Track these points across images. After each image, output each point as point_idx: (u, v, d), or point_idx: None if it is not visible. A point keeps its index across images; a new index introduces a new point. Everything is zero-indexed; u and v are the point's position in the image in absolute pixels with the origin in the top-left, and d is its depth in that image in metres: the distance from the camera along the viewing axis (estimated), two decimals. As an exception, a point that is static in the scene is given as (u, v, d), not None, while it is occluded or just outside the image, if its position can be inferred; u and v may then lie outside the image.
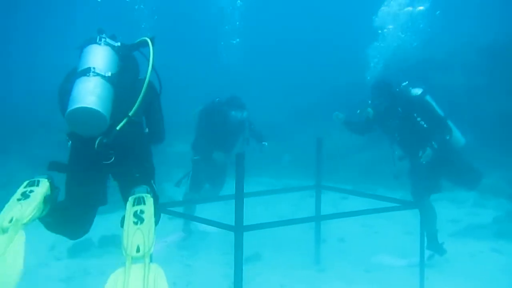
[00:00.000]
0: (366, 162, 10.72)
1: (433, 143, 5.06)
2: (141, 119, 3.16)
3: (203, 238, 6.23)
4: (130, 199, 2.76)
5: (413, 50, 8.05)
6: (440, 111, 5.31)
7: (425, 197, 5.23)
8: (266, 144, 6.16)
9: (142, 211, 2.63)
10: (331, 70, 13.53)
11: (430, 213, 5.32)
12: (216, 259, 5.49)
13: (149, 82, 3.05)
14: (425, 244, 4.94)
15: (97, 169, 3.04)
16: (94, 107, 2.78)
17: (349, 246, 6.23)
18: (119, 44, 3.16)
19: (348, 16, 15.49)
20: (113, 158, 2.98)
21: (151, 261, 2.40)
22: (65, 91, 2.98)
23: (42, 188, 2.74)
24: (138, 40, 3.21)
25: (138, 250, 2.39)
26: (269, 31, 16.33)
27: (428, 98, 5.31)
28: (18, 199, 2.61)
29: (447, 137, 5.20)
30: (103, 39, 3.08)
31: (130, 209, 2.66)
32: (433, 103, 5.31)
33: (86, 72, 2.89)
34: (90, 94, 2.79)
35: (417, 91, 5.33)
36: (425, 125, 5.20)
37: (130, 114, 2.97)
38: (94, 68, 2.91)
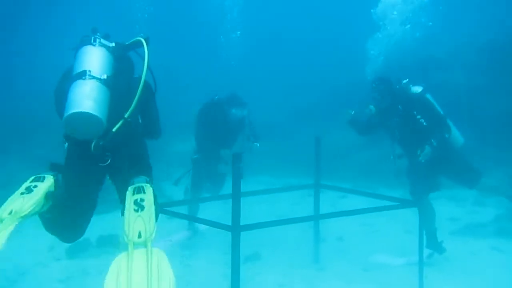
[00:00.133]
0: (367, 161, 10.71)
1: (432, 141, 5.05)
2: (137, 118, 3.16)
3: (203, 237, 6.23)
4: (130, 188, 2.77)
5: (414, 43, 8.01)
6: (440, 110, 5.31)
7: (424, 196, 5.22)
8: (258, 145, 6.07)
9: (142, 199, 2.64)
10: (331, 70, 13.52)
11: (429, 211, 5.31)
12: (216, 259, 5.48)
13: (145, 81, 3.04)
14: (424, 243, 4.94)
15: (94, 171, 3.04)
16: (91, 111, 2.78)
17: (348, 245, 6.22)
18: (113, 44, 3.15)
19: (348, 16, 15.47)
20: (109, 160, 2.99)
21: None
22: (61, 93, 2.98)
23: (46, 184, 2.76)
24: (132, 40, 3.20)
25: (139, 236, 2.40)
26: (269, 31, 16.32)
27: (428, 96, 5.31)
28: (22, 193, 2.65)
29: (447, 136, 5.20)
30: (97, 40, 3.07)
31: (130, 197, 2.67)
32: (434, 102, 5.31)
33: (82, 75, 2.89)
34: (86, 98, 2.80)
35: (418, 89, 5.32)
36: (424, 123, 5.19)
37: (126, 116, 2.97)
38: (90, 71, 2.90)
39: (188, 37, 17.01)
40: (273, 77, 14.73)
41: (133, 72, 3.25)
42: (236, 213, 3.74)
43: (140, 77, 3.01)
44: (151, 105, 3.30)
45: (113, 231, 5.88)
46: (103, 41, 3.10)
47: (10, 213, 2.48)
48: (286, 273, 5.19)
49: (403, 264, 5.34)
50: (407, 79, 5.38)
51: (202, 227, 6.19)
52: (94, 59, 2.98)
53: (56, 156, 3.15)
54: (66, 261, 5.61)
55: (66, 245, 5.57)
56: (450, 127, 5.25)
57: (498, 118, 10.13)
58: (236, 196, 3.75)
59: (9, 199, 2.61)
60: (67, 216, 2.91)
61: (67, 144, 3.05)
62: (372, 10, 7.72)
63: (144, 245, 2.36)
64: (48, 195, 2.74)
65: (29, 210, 2.57)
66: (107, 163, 2.99)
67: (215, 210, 5.99)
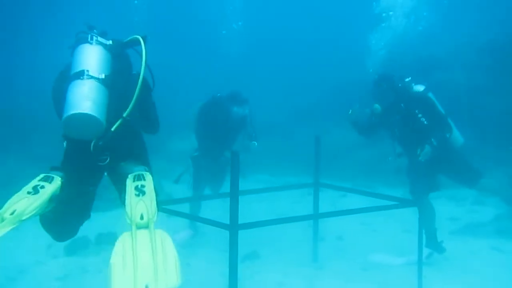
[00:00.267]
0: (366, 160, 10.71)
1: (432, 140, 5.04)
2: (135, 116, 3.15)
3: (203, 236, 6.22)
4: (130, 176, 2.76)
5: (415, 40, 7.98)
6: (441, 109, 5.30)
7: (424, 195, 5.21)
8: (256, 144, 6.01)
9: (143, 186, 2.64)
10: (331, 69, 13.52)
11: (429, 211, 5.29)
12: (215, 258, 5.47)
13: (143, 79, 3.03)
14: (424, 242, 4.93)
15: (92, 170, 3.04)
16: (90, 112, 2.77)
17: (348, 244, 6.22)
18: (110, 42, 3.13)
19: (348, 15, 15.46)
20: (108, 160, 2.98)
21: None
22: (59, 93, 2.98)
23: (53, 186, 2.75)
24: (130, 38, 3.19)
25: (142, 218, 2.39)
26: (268, 31, 16.31)
27: (430, 95, 5.30)
28: (28, 192, 2.63)
29: (447, 135, 5.18)
30: (94, 38, 3.05)
31: (130, 184, 2.66)
32: (435, 101, 5.29)
33: (80, 75, 2.87)
34: (85, 99, 2.79)
35: (420, 87, 5.30)
36: (425, 122, 5.18)
37: (124, 115, 2.97)
38: (87, 70, 2.89)
39: (188, 36, 17.00)
40: (273, 76, 14.72)
41: (131, 70, 3.23)
42: (234, 211, 3.74)
43: (138, 74, 3.00)
44: (149, 101, 3.28)
45: (112, 229, 5.85)
46: (100, 39, 3.08)
47: (12, 213, 2.46)
48: (285, 272, 5.18)
49: (402, 264, 5.33)
50: (410, 77, 5.36)
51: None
52: (92, 58, 2.96)
53: (56, 155, 3.15)
54: (65, 259, 5.60)
55: (65, 243, 5.57)
56: (452, 126, 5.25)
57: (498, 118, 10.11)
58: (234, 195, 3.74)
59: (15, 195, 2.58)
60: (62, 214, 2.91)
61: (65, 143, 3.04)
62: (374, 3, 7.65)
63: (147, 226, 2.35)
64: (52, 198, 2.73)
65: (31, 214, 2.55)
66: (105, 162, 2.99)
67: (216, 208, 5.98)
